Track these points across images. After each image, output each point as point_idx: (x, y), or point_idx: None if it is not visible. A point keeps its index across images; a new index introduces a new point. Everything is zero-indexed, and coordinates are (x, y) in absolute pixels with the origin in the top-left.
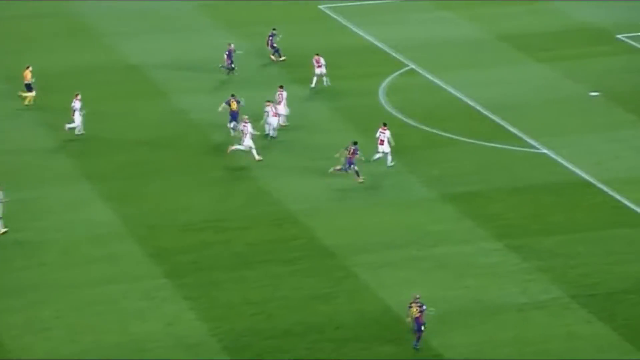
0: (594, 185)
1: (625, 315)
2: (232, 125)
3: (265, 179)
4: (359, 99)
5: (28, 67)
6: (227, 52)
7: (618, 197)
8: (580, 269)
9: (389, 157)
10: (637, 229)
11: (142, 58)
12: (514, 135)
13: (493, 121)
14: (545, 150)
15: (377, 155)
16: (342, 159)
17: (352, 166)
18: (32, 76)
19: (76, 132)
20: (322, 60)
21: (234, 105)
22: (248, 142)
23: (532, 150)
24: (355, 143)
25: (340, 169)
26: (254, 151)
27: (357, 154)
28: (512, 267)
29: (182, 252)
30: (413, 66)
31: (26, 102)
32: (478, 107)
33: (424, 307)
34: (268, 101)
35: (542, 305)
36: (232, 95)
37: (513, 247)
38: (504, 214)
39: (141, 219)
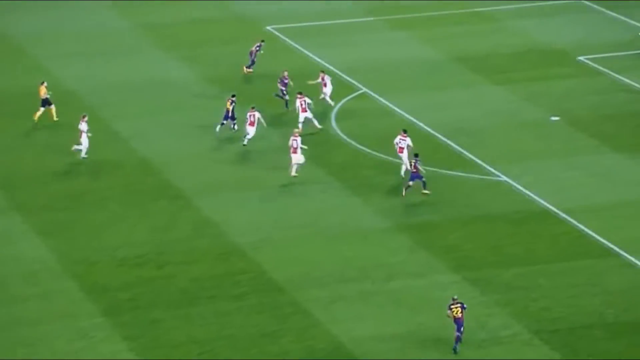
0: (555, 215)
1: (588, 351)
2: (223, 124)
3: (211, 208)
4: (310, 124)
5: (43, 83)
6: (280, 80)
7: (580, 226)
8: (541, 302)
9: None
10: (600, 260)
11: (78, 82)
12: (471, 162)
13: (449, 147)
14: (504, 178)
15: (403, 168)
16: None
17: (415, 179)
18: (48, 90)
19: (82, 155)
20: (327, 79)
21: (228, 105)
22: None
23: (490, 177)
24: (416, 155)
25: (409, 187)
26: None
27: (418, 167)
28: (469, 301)
29: (121, 288)
30: (365, 89)
31: (35, 117)
32: (434, 133)
33: (465, 307)
34: (253, 107)
35: (502, 341)
36: (233, 96)
37: (471, 280)
38: (461, 245)
39: (76, 254)
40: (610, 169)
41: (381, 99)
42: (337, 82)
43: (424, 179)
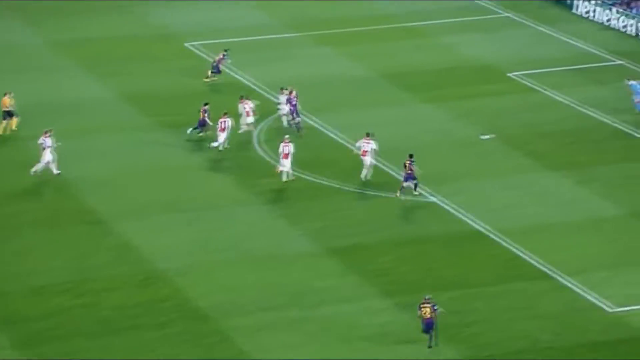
0: (489, 236)
1: None
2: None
3: (134, 232)
4: (234, 144)
5: (7, 94)
6: (288, 99)
7: (514, 248)
8: (475, 327)
9: (370, 171)
10: (535, 282)
11: None
12: (400, 182)
13: (379, 166)
14: (436, 199)
15: (364, 172)
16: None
17: (409, 181)
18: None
19: (54, 171)
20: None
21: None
22: None
23: (422, 198)
24: (411, 156)
25: (402, 188)
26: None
27: (413, 168)
28: (403, 327)
29: (37, 318)
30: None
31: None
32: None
33: (436, 307)
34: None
35: None
36: (205, 104)
37: (403, 305)
38: (394, 269)
39: None
40: (545, 188)
41: (309, 117)
42: (262, 100)
43: (416, 181)
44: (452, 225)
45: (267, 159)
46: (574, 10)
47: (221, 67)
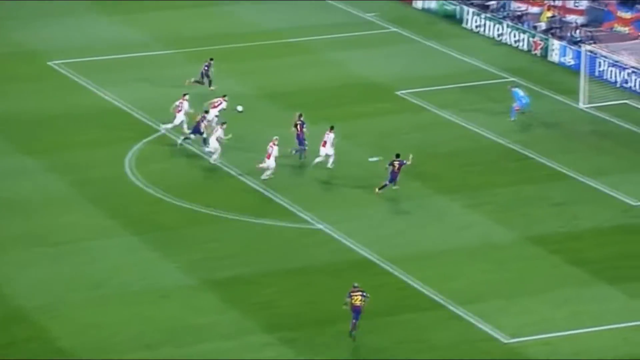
0: (378, 265)
1: None
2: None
3: None
4: (101, 171)
5: None
6: (297, 123)
7: (404, 277)
8: None
9: (331, 159)
10: (427, 313)
11: None
12: (285, 209)
13: (260, 192)
14: (320, 226)
15: (318, 159)
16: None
17: (393, 182)
18: None
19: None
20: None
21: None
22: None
23: (305, 226)
24: (397, 156)
25: (384, 187)
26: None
27: (404, 164)
28: None
29: None
30: (165, 131)
31: None
32: (241, 177)
33: (366, 295)
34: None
35: None
36: (205, 112)
37: (287, 341)
38: (276, 302)
39: None
40: (435, 213)
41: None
42: (132, 123)
43: (393, 182)
44: (339, 253)
45: (139, 184)
46: (464, 25)
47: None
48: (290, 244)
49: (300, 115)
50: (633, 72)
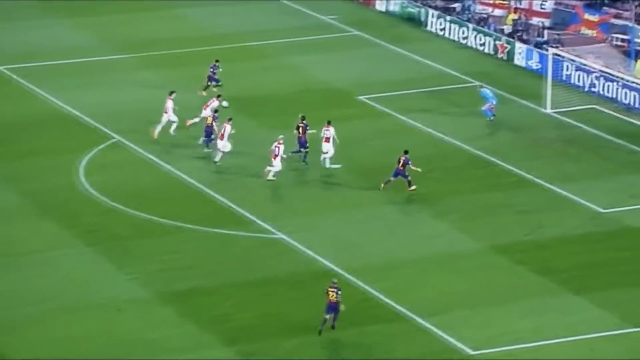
0: (339, 275)
1: None
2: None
3: None
4: (53, 180)
5: None
6: (299, 126)
7: (367, 288)
8: None
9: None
10: (390, 325)
11: None
12: (244, 218)
13: (217, 201)
14: (281, 235)
15: (323, 156)
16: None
17: (399, 176)
18: None
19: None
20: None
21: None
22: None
23: (265, 235)
24: (406, 152)
25: (388, 182)
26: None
27: (408, 163)
28: None
29: None
30: (119, 138)
31: None
32: (198, 185)
33: (339, 293)
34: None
35: None
36: (216, 111)
37: (246, 354)
38: (234, 315)
39: None
40: (399, 222)
41: (138, 148)
42: (84, 130)
43: (409, 178)
44: (299, 264)
45: (92, 193)
46: (427, 28)
47: (216, 76)
48: (249, 255)
49: (303, 118)
50: (600, 76)
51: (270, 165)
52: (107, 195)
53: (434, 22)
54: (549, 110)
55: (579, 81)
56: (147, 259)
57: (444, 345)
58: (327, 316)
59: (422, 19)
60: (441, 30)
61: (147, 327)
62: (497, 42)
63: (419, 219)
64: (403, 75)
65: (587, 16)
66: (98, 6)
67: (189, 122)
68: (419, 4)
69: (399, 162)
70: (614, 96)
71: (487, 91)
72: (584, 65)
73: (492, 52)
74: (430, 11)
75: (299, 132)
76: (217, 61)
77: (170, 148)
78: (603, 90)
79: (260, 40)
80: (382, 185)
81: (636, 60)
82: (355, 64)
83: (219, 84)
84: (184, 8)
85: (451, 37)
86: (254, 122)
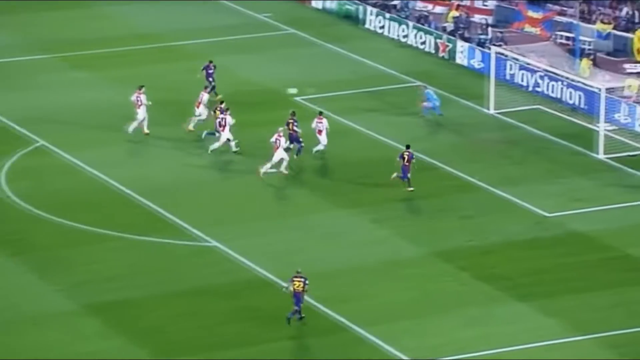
0: (276, 284)
1: None
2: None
3: None
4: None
5: None
6: (289, 122)
7: (305, 297)
8: None
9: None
10: (329, 336)
11: None
12: (174, 225)
13: (148, 208)
14: (214, 243)
15: (318, 147)
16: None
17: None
18: None
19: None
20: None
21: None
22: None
23: (197, 243)
24: (408, 147)
25: (397, 176)
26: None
27: (412, 159)
28: None
29: None
30: (42, 142)
31: None
32: (128, 192)
33: (307, 282)
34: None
35: None
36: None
37: None
38: (165, 327)
39: None
40: (337, 229)
41: (63, 153)
42: (6, 134)
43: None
44: (234, 273)
45: (13, 201)
46: (366, 26)
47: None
48: (180, 264)
49: (294, 114)
50: (544, 75)
51: (270, 160)
52: (30, 202)
53: (373, 20)
54: (492, 111)
55: (522, 81)
56: (72, 269)
57: (385, 355)
58: (297, 307)
59: (361, 16)
60: (380, 28)
61: (73, 341)
62: (438, 41)
63: (359, 225)
64: (341, 76)
65: (530, 13)
66: (18, 5)
67: (189, 126)
68: (356, 1)
69: (403, 158)
70: (559, 96)
71: (431, 92)
72: (528, 64)
73: (433, 51)
74: (369, 8)
75: (288, 128)
76: (211, 62)
77: (98, 152)
78: (547, 90)
79: (190, 40)
80: (393, 176)
81: (581, 59)
82: (291, 63)
83: (212, 85)
84: (110, 6)
85: (391, 35)
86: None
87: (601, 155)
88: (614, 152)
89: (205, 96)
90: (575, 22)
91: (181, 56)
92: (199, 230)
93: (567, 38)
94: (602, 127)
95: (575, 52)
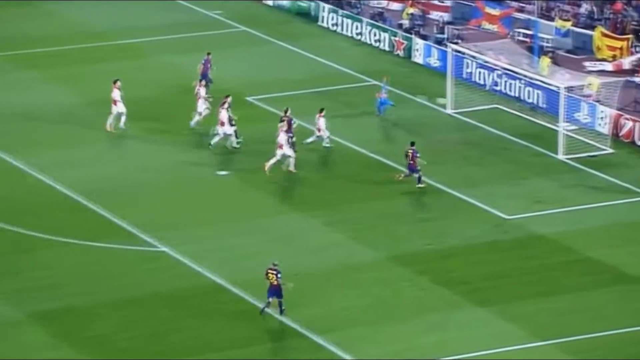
0: (230, 290)
1: None
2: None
3: None
4: None
5: None
6: (283, 119)
7: (258, 304)
8: None
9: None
10: (284, 342)
11: None
12: (122, 229)
13: (93, 212)
14: (164, 248)
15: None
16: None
17: (413, 173)
18: None
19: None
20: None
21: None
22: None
23: (147, 248)
24: (412, 144)
25: (403, 176)
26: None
27: (417, 156)
28: None
29: None
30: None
31: None
32: (73, 196)
33: (279, 276)
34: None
35: None
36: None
37: None
38: (113, 335)
39: None
40: (291, 232)
41: (4, 157)
42: None
43: (419, 174)
44: (185, 279)
45: None
46: (320, 23)
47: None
48: (130, 270)
49: (287, 111)
50: (503, 73)
51: (274, 156)
52: None
53: (326, 17)
54: (449, 111)
55: (480, 79)
56: (16, 276)
57: None
58: (270, 300)
59: (314, 13)
60: (334, 25)
61: (17, 351)
62: (394, 38)
63: (313, 228)
64: (295, 75)
65: (488, 10)
66: None
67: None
68: None
69: (407, 156)
70: (518, 95)
71: (386, 93)
72: (486, 62)
73: (388, 49)
74: (323, 5)
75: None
76: (209, 54)
77: (44, 154)
78: (506, 89)
79: (139, 38)
80: (401, 176)
81: (540, 57)
82: (244, 62)
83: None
84: (55, 4)
85: (345, 33)
86: (132, 128)
87: (561, 156)
88: (574, 152)
89: (202, 90)
90: (534, 18)
91: (130, 54)
92: (149, 235)
93: (526, 35)
94: (562, 127)
95: (534, 49)
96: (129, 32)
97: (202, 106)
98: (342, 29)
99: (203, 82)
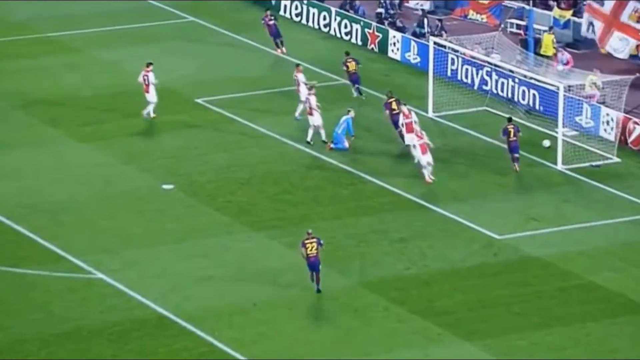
0: (175, 323)
1: None
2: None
3: None
4: None
5: None
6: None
7: (207, 338)
8: None
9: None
10: None
11: None
12: (50, 252)
13: (16, 232)
14: (99, 275)
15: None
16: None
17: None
18: None
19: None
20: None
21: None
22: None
23: (79, 275)
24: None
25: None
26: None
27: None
28: None
29: None
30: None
31: None
32: None
33: (322, 243)
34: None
35: None
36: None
37: None
38: None
39: None
40: (245, 254)
41: None
42: None
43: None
44: (124, 311)
45: None
46: (280, 13)
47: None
48: (58, 300)
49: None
50: (493, 71)
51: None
52: None
53: (288, 5)
54: (431, 114)
55: (467, 78)
56: None
57: None
58: (312, 273)
59: (273, 2)
60: (297, 15)
61: None
62: (367, 31)
63: (272, 250)
64: (252, 72)
65: None
66: None
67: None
68: None
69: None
70: (510, 96)
71: (350, 119)
72: (473, 58)
73: (360, 43)
74: None
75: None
76: (267, 10)
77: None
78: (497, 88)
79: (68, 30)
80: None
81: (543, 34)
82: (192, 58)
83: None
84: None
85: (309, 24)
86: (59, 133)
87: (560, 166)
88: (574, 162)
89: (300, 75)
90: (528, 7)
91: (58, 49)
92: (81, 259)
93: (519, 27)
94: (560, 133)
95: (528, 43)
96: (56, 23)
97: (304, 94)
98: (305, 20)
99: (301, 67)
